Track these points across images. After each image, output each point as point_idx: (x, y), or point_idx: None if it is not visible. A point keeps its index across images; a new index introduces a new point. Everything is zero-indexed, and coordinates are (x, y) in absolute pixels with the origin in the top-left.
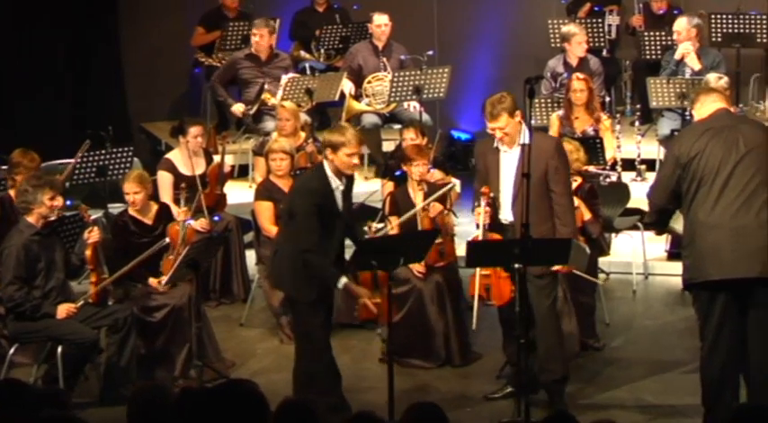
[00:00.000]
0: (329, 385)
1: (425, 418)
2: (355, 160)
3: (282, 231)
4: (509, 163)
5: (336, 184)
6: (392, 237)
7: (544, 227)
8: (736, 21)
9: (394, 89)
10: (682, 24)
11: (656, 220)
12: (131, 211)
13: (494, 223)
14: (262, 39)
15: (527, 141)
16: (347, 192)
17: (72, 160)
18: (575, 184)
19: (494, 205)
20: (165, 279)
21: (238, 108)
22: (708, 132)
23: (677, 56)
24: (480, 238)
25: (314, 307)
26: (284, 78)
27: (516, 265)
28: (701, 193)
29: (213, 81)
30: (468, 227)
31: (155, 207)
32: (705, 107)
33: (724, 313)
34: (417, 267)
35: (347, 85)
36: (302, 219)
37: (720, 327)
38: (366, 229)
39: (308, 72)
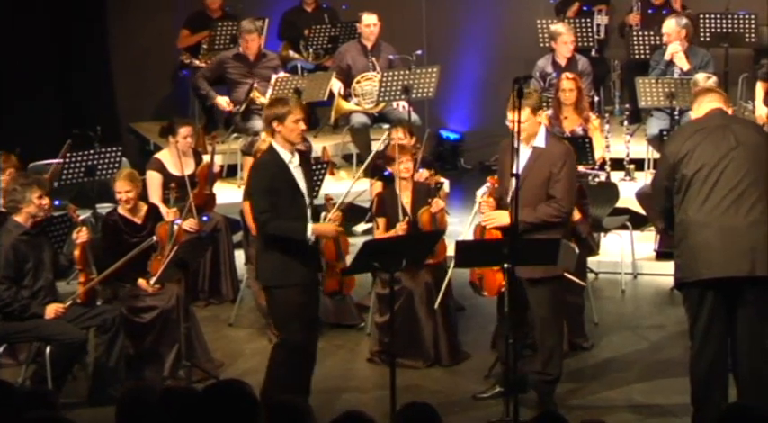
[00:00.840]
0: (302, 367)
1: (419, 417)
2: (302, 125)
3: (257, 230)
4: (520, 163)
5: (288, 158)
6: (395, 238)
7: (540, 232)
8: (724, 20)
9: (383, 89)
10: (671, 26)
11: (666, 223)
12: (121, 210)
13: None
14: (253, 43)
15: (542, 145)
16: (307, 173)
17: (57, 160)
18: None
19: (500, 197)
20: (153, 279)
21: (223, 101)
22: (700, 132)
23: (666, 56)
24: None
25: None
26: (274, 78)
27: (505, 265)
28: (691, 191)
29: (197, 76)
30: (457, 227)
31: (144, 207)
32: (702, 107)
33: (713, 312)
34: None
35: (336, 85)
36: (258, 195)
37: (709, 326)
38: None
39: (298, 72)
